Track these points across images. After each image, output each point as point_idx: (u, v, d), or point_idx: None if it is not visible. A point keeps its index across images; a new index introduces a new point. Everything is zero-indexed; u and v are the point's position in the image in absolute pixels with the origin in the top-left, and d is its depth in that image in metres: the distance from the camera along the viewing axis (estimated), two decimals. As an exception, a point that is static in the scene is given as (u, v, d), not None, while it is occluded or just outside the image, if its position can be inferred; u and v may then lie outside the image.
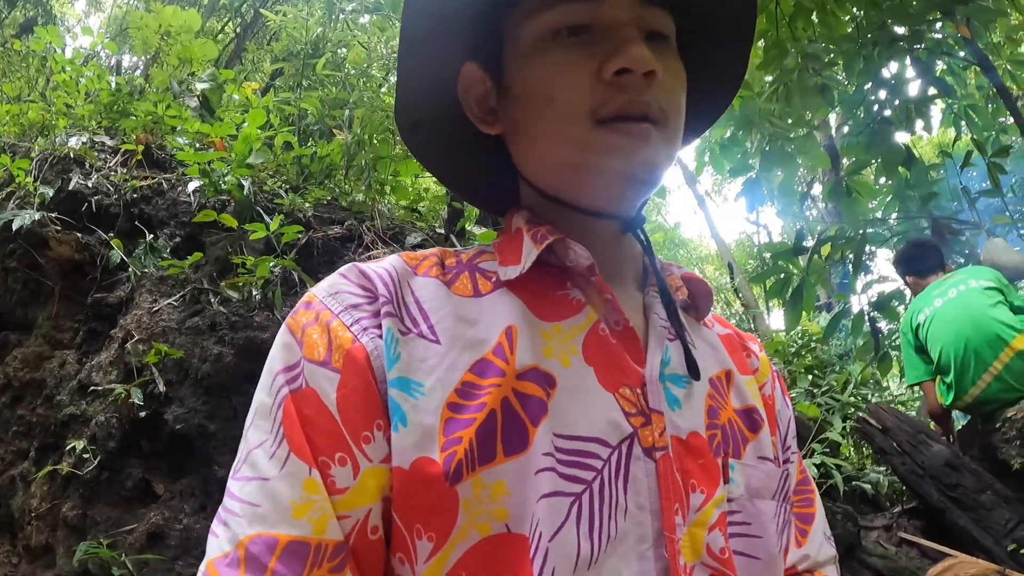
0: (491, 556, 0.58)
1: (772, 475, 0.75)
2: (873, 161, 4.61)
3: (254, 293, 2.87)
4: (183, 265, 2.85)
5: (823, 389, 4.47)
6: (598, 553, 0.60)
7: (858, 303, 4.84)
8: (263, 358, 2.19)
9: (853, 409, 4.59)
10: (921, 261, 3.88)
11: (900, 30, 3.81)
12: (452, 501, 0.58)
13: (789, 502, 0.79)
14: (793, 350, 5.15)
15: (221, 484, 2.46)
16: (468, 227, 3.46)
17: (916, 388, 4.23)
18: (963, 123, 4.49)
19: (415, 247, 3.36)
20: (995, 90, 4.02)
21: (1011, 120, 4.41)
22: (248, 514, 0.58)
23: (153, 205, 3.29)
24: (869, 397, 4.94)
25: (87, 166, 3.32)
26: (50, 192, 3.06)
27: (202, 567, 0.60)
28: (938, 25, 3.97)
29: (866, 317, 4.66)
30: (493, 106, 0.78)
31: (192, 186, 3.32)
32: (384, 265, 0.71)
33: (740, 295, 10.12)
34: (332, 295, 0.68)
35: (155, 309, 2.81)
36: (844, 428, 3.84)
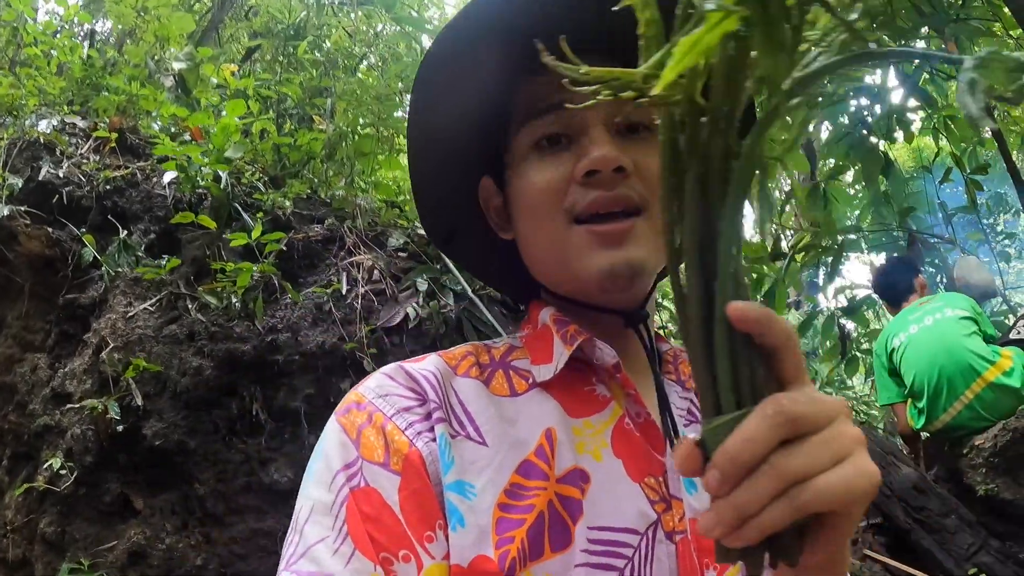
0: None
1: None
2: (852, 167, 4.68)
3: (234, 301, 2.83)
4: (159, 271, 2.78)
5: None
6: None
7: (825, 302, 4.95)
8: (244, 371, 2.19)
9: None
10: (895, 283, 3.98)
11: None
12: None
13: None
14: None
15: (202, 501, 2.47)
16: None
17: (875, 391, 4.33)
18: (941, 134, 4.57)
19: (397, 250, 3.34)
20: None
21: (988, 133, 4.52)
22: None
23: (127, 198, 3.20)
24: (834, 396, 5.10)
25: (58, 153, 3.21)
26: (19, 183, 2.95)
27: None
28: (922, 43, 4.04)
29: (836, 321, 4.79)
30: (508, 214, 0.86)
31: (167, 178, 3.23)
32: (428, 367, 0.75)
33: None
34: (382, 396, 0.72)
35: (130, 314, 2.75)
36: None
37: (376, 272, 3.03)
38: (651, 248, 0.75)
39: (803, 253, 4.28)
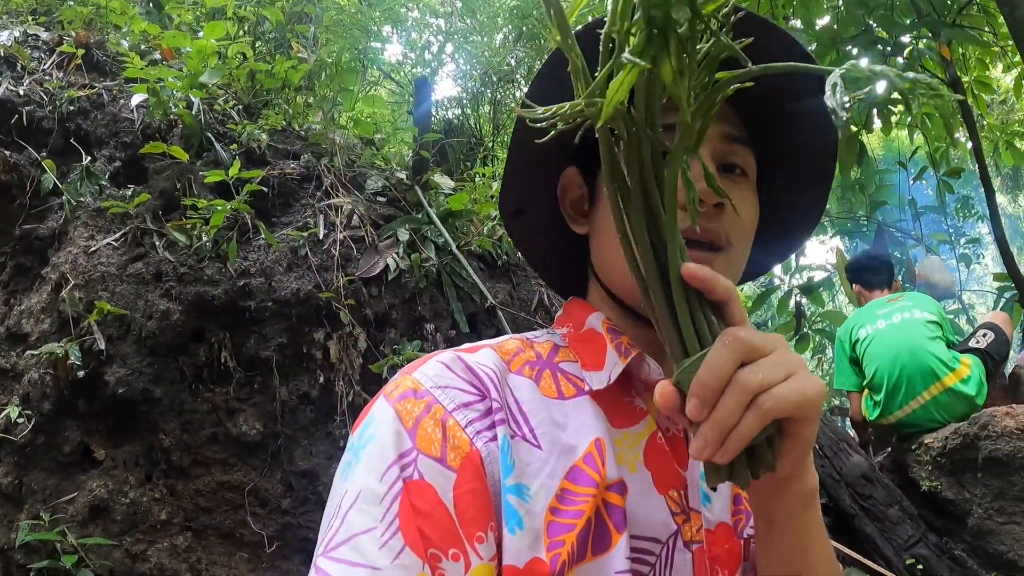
0: None
1: None
2: None
3: (204, 240, 2.70)
4: (126, 206, 2.64)
5: None
6: None
7: (782, 279, 4.99)
8: (214, 316, 2.09)
9: None
10: (872, 274, 4.13)
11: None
12: None
13: None
14: None
15: (167, 454, 2.40)
16: (434, 178, 3.31)
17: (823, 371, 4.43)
18: (917, 130, 4.59)
19: (376, 194, 3.21)
20: (956, 105, 4.09)
21: (963, 137, 4.56)
22: None
23: (92, 120, 3.02)
24: None
25: (19, 68, 3.00)
26: (-26, 100, 2.75)
27: None
28: (913, 38, 4.01)
29: (792, 297, 4.87)
30: (585, 209, 0.87)
31: (136, 100, 3.04)
32: (486, 362, 0.75)
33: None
34: (442, 388, 0.71)
35: (92, 248, 2.62)
36: None
37: (355, 217, 2.90)
38: None
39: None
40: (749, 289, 6.09)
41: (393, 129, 3.88)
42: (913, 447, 3.55)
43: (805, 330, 4.89)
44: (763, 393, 0.57)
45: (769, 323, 5.96)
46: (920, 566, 3.15)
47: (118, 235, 2.69)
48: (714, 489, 0.72)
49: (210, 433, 2.44)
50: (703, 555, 0.76)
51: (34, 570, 2.15)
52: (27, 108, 2.86)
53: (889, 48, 3.88)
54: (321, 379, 2.55)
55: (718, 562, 0.77)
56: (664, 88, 0.58)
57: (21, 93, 2.89)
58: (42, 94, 2.95)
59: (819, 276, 4.82)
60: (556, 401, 0.76)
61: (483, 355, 0.77)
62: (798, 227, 0.97)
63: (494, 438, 0.70)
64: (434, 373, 0.73)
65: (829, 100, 0.53)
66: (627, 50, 0.55)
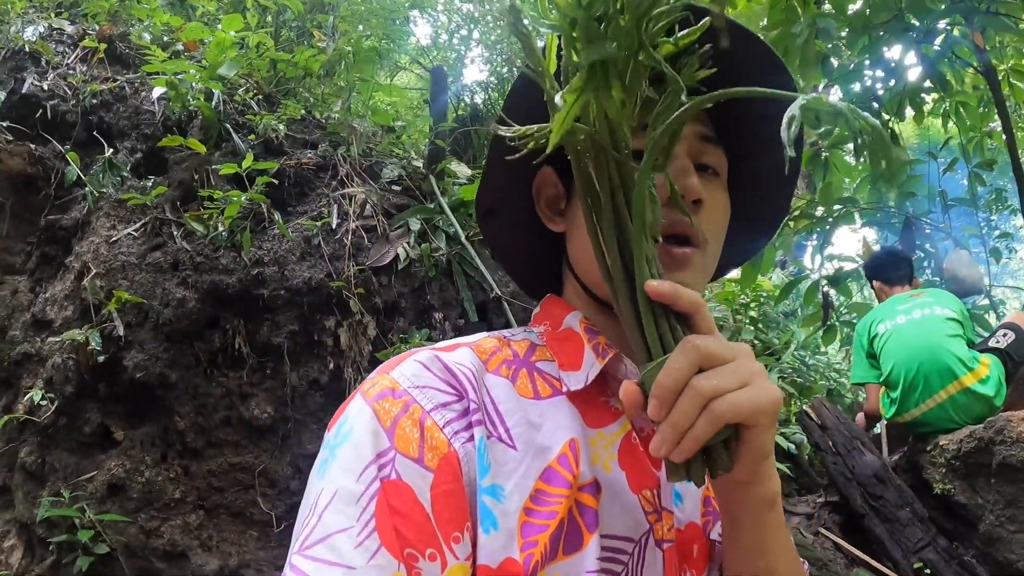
0: None
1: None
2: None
3: (220, 230, 2.79)
4: (145, 198, 2.73)
5: (765, 346, 4.67)
6: None
7: (812, 268, 4.93)
8: (229, 305, 2.17)
9: (791, 369, 4.84)
10: (892, 269, 4.04)
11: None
12: None
13: None
14: (743, 302, 5.30)
15: (182, 436, 2.50)
16: (450, 166, 3.36)
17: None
18: (951, 119, 4.46)
19: (391, 182, 3.27)
20: (990, 96, 3.98)
21: (998, 126, 4.42)
22: None
23: (114, 113, 3.12)
24: (807, 360, 5.19)
25: (43, 63, 3.11)
26: (1, 96, 2.87)
27: None
28: (947, 24, 3.90)
29: (820, 288, 4.80)
30: (561, 207, 0.89)
31: (156, 93, 3.14)
32: (463, 361, 0.76)
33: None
34: (419, 388, 0.72)
35: (113, 239, 2.72)
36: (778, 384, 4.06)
37: (368, 207, 2.97)
38: (700, 279, 0.82)
39: (797, 220, 4.27)
40: (777, 279, 6.03)
41: (414, 116, 3.93)
42: (928, 448, 3.50)
43: (832, 321, 4.83)
44: (717, 399, 0.60)
45: (798, 311, 5.88)
46: (928, 571, 3.13)
47: (138, 225, 2.79)
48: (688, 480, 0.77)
49: (223, 416, 2.54)
50: (674, 554, 0.78)
51: (54, 544, 2.27)
52: (51, 102, 2.97)
53: (922, 35, 3.79)
54: (331, 365, 2.63)
55: (687, 561, 0.80)
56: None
57: (45, 88, 3.00)
58: (66, 88, 3.06)
59: (848, 267, 4.77)
60: (532, 401, 0.77)
61: (461, 354, 0.77)
62: (761, 227, 1.00)
63: (471, 439, 0.71)
64: (412, 373, 0.74)
65: (784, 133, 0.55)
66: (566, 87, 0.61)
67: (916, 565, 3.14)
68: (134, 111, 3.14)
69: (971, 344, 3.58)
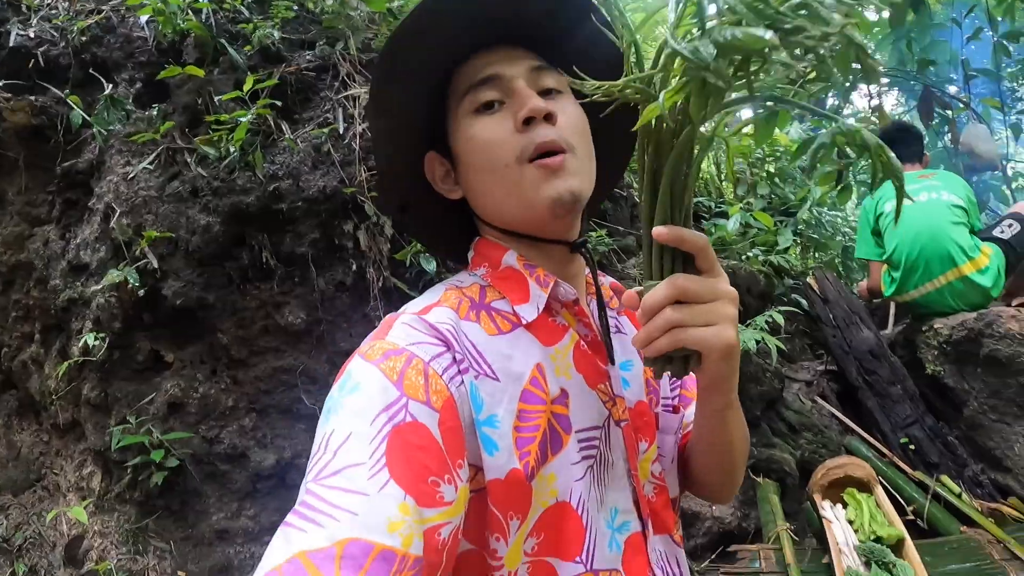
0: (552, 518, 0.89)
1: (673, 420, 1.11)
2: None
3: (232, 151, 2.84)
4: (153, 135, 2.79)
5: (780, 200, 4.69)
6: (605, 492, 0.95)
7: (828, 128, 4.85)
8: (251, 223, 2.34)
9: (805, 225, 4.86)
10: (902, 146, 3.98)
11: None
12: (529, 492, 0.86)
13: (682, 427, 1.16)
14: (760, 156, 5.26)
15: (227, 350, 2.67)
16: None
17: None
18: None
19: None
20: None
21: None
22: (348, 520, 0.68)
23: (105, 46, 3.13)
24: (823, 217, 5.19)
25: (24, 9, 3.11)
26: (-9, 53, 2.90)
27: (287, 554, 0.66)
28: None
29: (836, 149, 4.73)
30: (454, 178, 1.05)
31: (144, 18, 3.13)
32: (441, 318, 0.91)
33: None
34: (415, 344, 0.86)
35: (130, 175, 2.81)
36: (795, 240, 4.21)
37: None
38: (583, 179, 0.96)
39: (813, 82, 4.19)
40: (795, 133, 5.94)
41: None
42: (924, 329, 3.61)
43: (847, 180, 4.79)
44: (679, 327, 0.80)
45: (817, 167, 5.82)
46: (912, 446, 3.30)
47: (151, 157, 2.86)
48: (631, 367, 1.06)
49: (261, 326, 2.69)
50: (630, 429, 1.00)
51: (129, 465, 2.48)
52: (41, 49, 3.00)
53: None
54: (354, 267, 2.73)
55: (640, 432, 1.02)
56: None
57: (32, 36, 3.01)
58: (52, 32, 3.07)
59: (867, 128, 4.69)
60: (499, 337, 0.93)
61: (437, 313, 0.92)
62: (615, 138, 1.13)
63: (463, 383, 0.85)
64: (404, 334, 0.87)
65: (804, 160, 0.83)
66: (668, 86, 0.76)
67: (903, 440, 3.33)
68: (125, 40, 3.14)
69: (975, 231, 3.63)
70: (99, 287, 2.59)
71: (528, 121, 0.93)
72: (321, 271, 2.73)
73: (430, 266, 2.79)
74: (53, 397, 2.74)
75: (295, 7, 3.43)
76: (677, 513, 1.10)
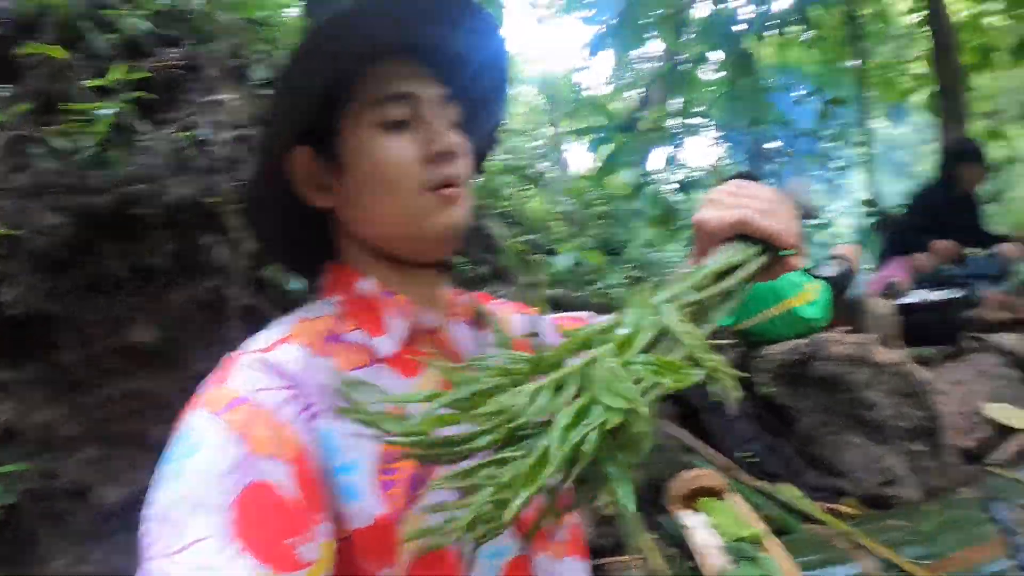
0: (426, 560, 0.83)
1: None
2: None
3: (88, 145, 2.71)
4: (4, 118, 2.62)
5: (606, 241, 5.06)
6: None
7: (661, 176, 5.27)
8: (103, 226, 2.21)
9: (633, 264, 5.27)
10: None
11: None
12: (398, 537, 0.81)
13: None
14: (591, 197, 5.74)
15: (68, 371, 2.54)
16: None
17: None
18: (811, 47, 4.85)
19: (262, 84, 3.15)
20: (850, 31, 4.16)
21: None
22: None
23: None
24: (650, 255, 5.68)
25: None
26: None
27: None
28: None
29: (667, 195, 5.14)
30: (326, 183, 0.99)
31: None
32: (287, 357, 0.86)
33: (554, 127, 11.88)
34: (258, 391, 0.81)
35: (-30, 163, 2.62)
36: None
37: (241, 113, 2.89)
38: (468, 207, 0.99)
39: (651, 130, 4.61)
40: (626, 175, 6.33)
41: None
42: (755, 355, 3.91)
43: (678, 223, 5.16)
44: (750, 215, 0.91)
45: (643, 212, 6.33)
46: (754, 459, 3.56)
47: (-5, 144, 2.68)
48: None
49: (108, 345, 2.58)
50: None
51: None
52: None
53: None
54: (212, 284, 2.66)
55: None
56: None
57: None
58: None
59: (696, 175, 5.11)
60: (356, 372, 0.89)
61: (285, 351, 0.87)
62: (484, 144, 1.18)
63: (314, 428, 0.81)
64: (245, 379, 0.82)
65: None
66: None
67: (745, 455, 3.58)
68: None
69: (804, 269, 3.88)
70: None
71: (443, 155, 0.96)
72: (176, 287, 2.65)
73: (295, 285, 2.75)
74: None
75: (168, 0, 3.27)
76: (567, 527, 1.04)
